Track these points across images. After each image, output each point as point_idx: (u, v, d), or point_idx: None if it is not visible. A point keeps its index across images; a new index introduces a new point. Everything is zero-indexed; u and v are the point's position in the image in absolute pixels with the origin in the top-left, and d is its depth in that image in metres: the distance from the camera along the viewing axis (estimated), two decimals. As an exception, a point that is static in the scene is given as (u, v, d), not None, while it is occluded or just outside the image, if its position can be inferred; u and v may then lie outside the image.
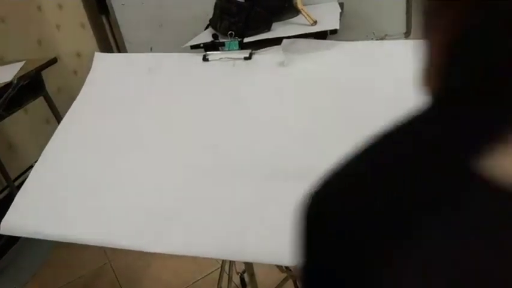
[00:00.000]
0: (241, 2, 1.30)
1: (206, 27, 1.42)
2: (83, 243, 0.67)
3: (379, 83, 0.76)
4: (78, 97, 0.94)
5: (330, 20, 1.27)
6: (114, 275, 1.54)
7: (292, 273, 1.16)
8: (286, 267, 1.16)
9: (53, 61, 1.48)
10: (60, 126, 0.89)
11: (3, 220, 0.71)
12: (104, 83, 0.97)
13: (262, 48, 0.94)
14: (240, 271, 1.38)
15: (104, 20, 1.86)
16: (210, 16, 1.39)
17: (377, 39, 1.68)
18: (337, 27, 1.20)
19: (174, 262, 1.52)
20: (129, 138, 0.83)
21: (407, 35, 1.69)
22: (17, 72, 1.38)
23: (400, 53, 0.77)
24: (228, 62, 0.93)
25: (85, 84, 0.97)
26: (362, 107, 0.73)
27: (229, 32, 1.21)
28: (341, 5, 1.48)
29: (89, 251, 1.62)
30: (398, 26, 1.67)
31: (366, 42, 0.90)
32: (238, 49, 1.08)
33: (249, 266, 0.96)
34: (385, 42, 0.84)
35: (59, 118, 1.56)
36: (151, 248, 0.64)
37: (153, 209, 0.69)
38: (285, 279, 1.13)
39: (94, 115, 0.90)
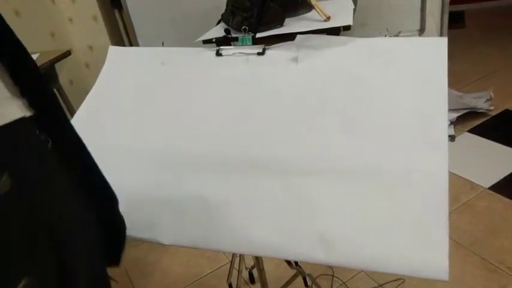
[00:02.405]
0: (254, -3, 1.29)
1: (218, 22, 1.42)
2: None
3: (394, 80, 0.75)
4: (93, 89, 0.94)
5: (343, 16, 1.26)
6: (124, 267, 1.56)
7: (301, 270, 1.16)
8: (296, 264, 1.16)
9: (67, 54, 1.49)
10: (74, 118, 0.90)
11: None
12: (117, 75, 0.97)
13: (274, 43, 0.94)
14: (249, 266, 1.39)
15: (117, 14, 1.87)
16: (222, 11, 1.39)
17: (390, 36, 1.67)
18: (351, 24, 1.19)
19: (185, 256, 1.53)
20: (142, 130, 0.84)
21: (421, 32, 1.67)
22: (31, 65, 1.40)
23: (415, 50, 0.76)
24: (241, 57, 0.93)
25: (99, 76, 0.97)
26: (376, 104, 0.73)
27: (243, 27, 1.21)
28: (354, 1, 1.46)
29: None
30: (412, 23, 1.65)
31: (380, 38, 0.89)
32: (251, 44, 1.08)
33: (258, 262, 0.97)
34: (399, 39, 0.83)
35: (71, 110, 1.58)
36: (162, 239, 0.65)
37: (161, 202, 0.69)
38: (294, 276, 1.13)
39: (108, 107, 0.90)
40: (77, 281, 0.43)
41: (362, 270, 1.28)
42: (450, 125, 1.92)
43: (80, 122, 0.89)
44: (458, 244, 1.39)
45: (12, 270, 0.36)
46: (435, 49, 0.74)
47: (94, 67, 2.08)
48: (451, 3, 1.71)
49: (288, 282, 1.11)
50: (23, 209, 0.38)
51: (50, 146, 0.43)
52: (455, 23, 2.89)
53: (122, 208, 0.70)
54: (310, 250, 0.58)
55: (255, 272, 1.38)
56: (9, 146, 0.38)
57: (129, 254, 1.61)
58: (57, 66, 1.50)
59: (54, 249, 0.40)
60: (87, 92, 0.94)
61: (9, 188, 0.36)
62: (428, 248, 0.52)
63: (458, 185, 1.65)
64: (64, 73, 1.67)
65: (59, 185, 0.43)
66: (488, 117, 2.09)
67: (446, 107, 0.64)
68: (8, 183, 0.36)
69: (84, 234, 0.45)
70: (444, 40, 0.74)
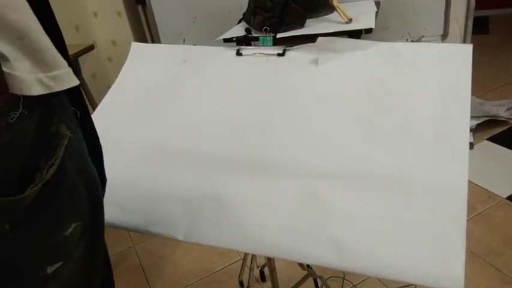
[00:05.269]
0: (276, -3, 1.29)
1: (239, 21, 1.43)
2: (113, 227, 0.70)
3: (416, 86, 0.74)
4: (114, 84, 0.96)
5: (365, 18, 1.25)
6: (137, 259, 1.58)
7: (312, 271, 1.16)
8: (307, 265, 1.16)
9: (90, 48, 1.52)
10: (96, 111, 0.92)
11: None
12: (139, 71, 0.99)
13: (294, 44, 0.93)
14: (261, 265, 1.39)
15: (140, 10, 1.90)
16: (244, 10, 1.39)
17: (412, 41, 1.65)
18: (373, 27, 1.18)
19: (197, 251, 1.55)
20: (161, 127, 0.85)
21: (444, 37, 1.64)
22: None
23: (439, 56, 0.75)
24: (261, 58, 0.93)
25: (121, 71, 0.99)
26: (396, 110, 0.72)
27: (264, 28, 1.21)
28: (377, 4, 1.45)
29: (114, 234, 1.67)
30: (436, 27, 1.63)
31: (402, 43, 0.88)
32: (272, 45, 1.08)
33: (270, 261, 0.97)
34: (423, 44, 0.82)
35: (93, 103, 1.61)
36: (177, 235, 0.66)
37: (177, 199, 0.70)
38: (305, 277, 1.13)
39: (129, 102, 0.92)
40: (103, 223, 0.53)
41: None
42: (469, 132, 1.89)
43: (101, 116, 0.91)
44: (472, 254, 1.37)
45: (66, 219, 0.45)
46: (459, 56, 0.73)
47: (116, 62, 2.12)
48: (476, 8, 1.68)
49: (299, 283, 1.11)
50: (75, 160, 0.44)
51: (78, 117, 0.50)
52: (479, 28, 2.82)
53: (140, 203, 0.72)
54: (322, 254, 0.57)
55: (266, 270, 1.39)
56: (64, 102, 0.45)
57: (142, 245, 1.64)
58: (80, 59, 1.53)
59: (89, 198, 0.48)
60: (109, 86, 0.96)
61: (69, 141, 0.43)
62: (444, 258, 0.52)
63: (475, 194, 1.63)
64: (87, 67, 1.70)
65: (84, 145, 0.50)
66: (508, 126, 2.05)
67: (468, 117, 0.64)
68: (68, 134, 0.43)
69: (101, 186, 0.53)
70: (469, 48, 0.73)
